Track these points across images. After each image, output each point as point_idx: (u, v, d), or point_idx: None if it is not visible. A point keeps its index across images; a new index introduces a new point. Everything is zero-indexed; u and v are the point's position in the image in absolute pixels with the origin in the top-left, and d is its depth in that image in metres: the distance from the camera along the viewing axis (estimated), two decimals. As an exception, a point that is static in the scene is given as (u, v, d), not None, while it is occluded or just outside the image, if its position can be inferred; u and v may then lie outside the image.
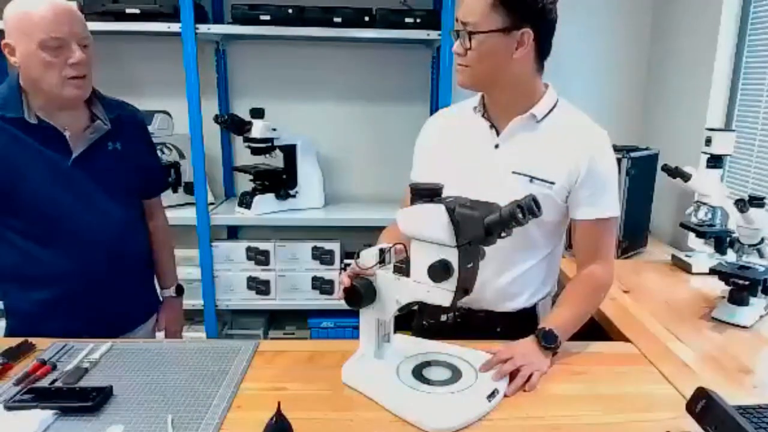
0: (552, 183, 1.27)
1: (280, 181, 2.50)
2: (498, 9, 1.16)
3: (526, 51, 1.20)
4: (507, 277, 1.34)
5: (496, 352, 1.19)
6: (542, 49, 1.24)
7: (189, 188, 2.49)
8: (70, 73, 1.31)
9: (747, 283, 1.48)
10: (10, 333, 1.42)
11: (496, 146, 1.31)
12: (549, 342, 1.20)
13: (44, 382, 1.13)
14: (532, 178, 1.27)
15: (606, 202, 1.29)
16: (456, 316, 1.33)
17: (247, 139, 2.37)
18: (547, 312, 1.37)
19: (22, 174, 1.34)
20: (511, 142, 1.30)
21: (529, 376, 1.15)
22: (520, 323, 1.34)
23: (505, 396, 1.10)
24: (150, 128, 2.33)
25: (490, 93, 1.31)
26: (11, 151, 1.34)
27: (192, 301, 2.42)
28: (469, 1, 1.20)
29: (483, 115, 1.33)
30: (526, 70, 1.24)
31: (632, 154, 2.08)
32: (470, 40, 1.19)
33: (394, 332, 1.23)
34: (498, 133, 1.31)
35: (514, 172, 1.28)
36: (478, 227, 0.97)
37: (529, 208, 0.97)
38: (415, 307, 1.15)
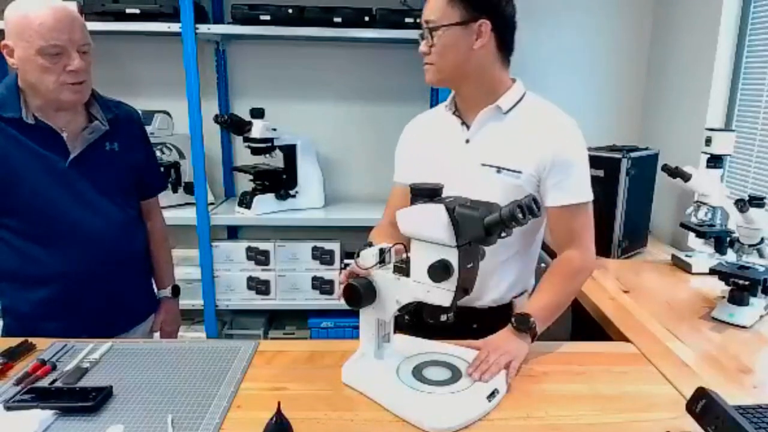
0: (519, 172, 1.29)
1: (280, 181, 2.50)
2: (455, 4, 1.23)
3: (485, 41, 1.25)
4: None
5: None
6: (503, 42, 1.29)
7: (189, 188, 2.48)
8: (68, 79, 1.31)
9: (747, 283, 1.48)
10: (7, 332, 1.42)
11: (467, 141, 1.35)
12: (522, 324, 1.22)
13: (44, 382, 1.13)
14: (499, 169, 1.30)
15: (575, 188, 1.30)
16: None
17: (247, 139, 2.37)
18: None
19: (20, 174, 1.34)
20: (479, 136, 1.34)
21: (508, 365, 1.15)
22: (495, 319, 1.34)
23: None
24: (150, 128, 2.35)
25: (457, 88, 1.35)
26: (9, 151, 1.34)
27: (192, 301, 2.42)
28: (430, 1, 1.27)
29: (454, 113, 1.37)
30: (487, 61, 1.29)
31: (632, 154, 2.08)
32: (432, 37, 1.25)
33: (394, 332, 1.23)
34: (468, 129, 1.35)
35: (482, 164, 1.31)
36: (478, 227, 0.97)
37: (529, 208, 0.97)
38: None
